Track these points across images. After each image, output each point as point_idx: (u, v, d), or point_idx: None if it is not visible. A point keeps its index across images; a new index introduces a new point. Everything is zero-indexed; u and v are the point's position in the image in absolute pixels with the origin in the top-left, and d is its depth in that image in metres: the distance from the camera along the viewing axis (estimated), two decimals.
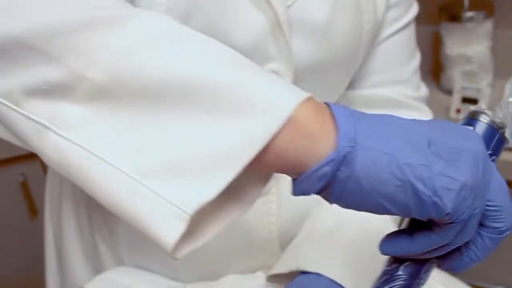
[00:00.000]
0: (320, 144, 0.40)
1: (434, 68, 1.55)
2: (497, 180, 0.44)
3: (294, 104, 0.40)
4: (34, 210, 1.62)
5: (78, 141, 0.42)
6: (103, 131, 0.42)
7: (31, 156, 1.54)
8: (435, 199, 0.40)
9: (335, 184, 0.41)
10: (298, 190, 0.43)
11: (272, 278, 0.71)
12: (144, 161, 0.41)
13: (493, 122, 0.47)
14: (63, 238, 0.83)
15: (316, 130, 0.41)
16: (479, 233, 0.44)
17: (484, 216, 0.43)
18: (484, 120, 0.47)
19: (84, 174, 0.42)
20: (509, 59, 1.44)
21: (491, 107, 0.48)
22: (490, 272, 1.33)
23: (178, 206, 0.40)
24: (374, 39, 0.74)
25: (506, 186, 0.44)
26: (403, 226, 0.47)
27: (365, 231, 0.68)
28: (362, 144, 0.40)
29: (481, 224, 0.44)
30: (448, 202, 0.40)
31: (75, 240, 0.82)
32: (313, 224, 0.72)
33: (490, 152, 0.47)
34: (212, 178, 0.40)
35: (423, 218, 0.41)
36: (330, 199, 0.43)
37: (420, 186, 0.40)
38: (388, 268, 0.48)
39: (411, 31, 0.79)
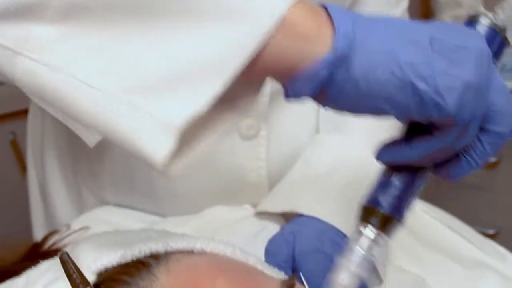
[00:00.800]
0: (316, 46, 0.38)
1: (424, 13, 1.53)
2: (499, 83, 0.41)
3: (286, 5, 0.38)
4: (25, 168, 1.61)
5: (52, 63, 0.39)
6: (78, 51, 0.39)
7: (21, 114, 1.52)
8: (437, 98, 0.38)
9: (331, 87, 0.39)
10: (291, 93, 0.40)
11: (259, 213, 0.70)
12: (125, 79, 0.38)
13: (495, 24, 0.44)
14: (47, 184, 0.83)
15: (312, 31, 0.38)
16: (478, 138, 0.42)
17: (485, 119, 0.41)
18: (484, 22, 0.44)
19: (63, 98, 0.39)
20: (499, 2, 1.43)
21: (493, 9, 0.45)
22: (482, 215, 1.35)
23: (166, 121, 0.37)
24: None
25: (508, 90, 0.42)
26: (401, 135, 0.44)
27: (361, 174, 0.66)
28: (360, 44, 0.38)
29: (481, 128, 0.42)
30: (450, 102, 0.38)
31: (60, 186, 0.82)
32: (306, 166, 0.72)
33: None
34: (200, 89, 0.37)
35: (424, 120, 0.40)
36: (324, 103, 0.41)
37: (421, 85, 0.38)
38: (383, 177, 0.45)
39: None
